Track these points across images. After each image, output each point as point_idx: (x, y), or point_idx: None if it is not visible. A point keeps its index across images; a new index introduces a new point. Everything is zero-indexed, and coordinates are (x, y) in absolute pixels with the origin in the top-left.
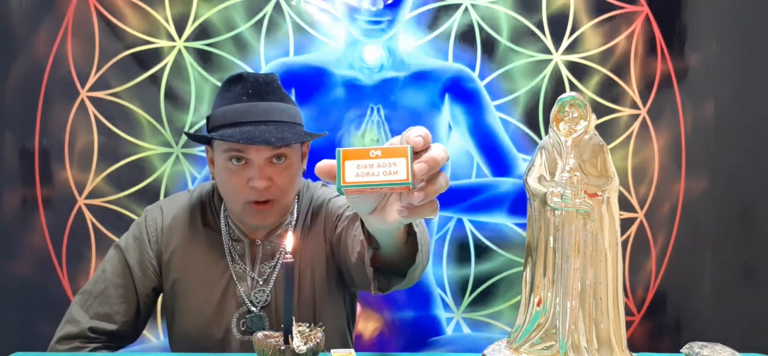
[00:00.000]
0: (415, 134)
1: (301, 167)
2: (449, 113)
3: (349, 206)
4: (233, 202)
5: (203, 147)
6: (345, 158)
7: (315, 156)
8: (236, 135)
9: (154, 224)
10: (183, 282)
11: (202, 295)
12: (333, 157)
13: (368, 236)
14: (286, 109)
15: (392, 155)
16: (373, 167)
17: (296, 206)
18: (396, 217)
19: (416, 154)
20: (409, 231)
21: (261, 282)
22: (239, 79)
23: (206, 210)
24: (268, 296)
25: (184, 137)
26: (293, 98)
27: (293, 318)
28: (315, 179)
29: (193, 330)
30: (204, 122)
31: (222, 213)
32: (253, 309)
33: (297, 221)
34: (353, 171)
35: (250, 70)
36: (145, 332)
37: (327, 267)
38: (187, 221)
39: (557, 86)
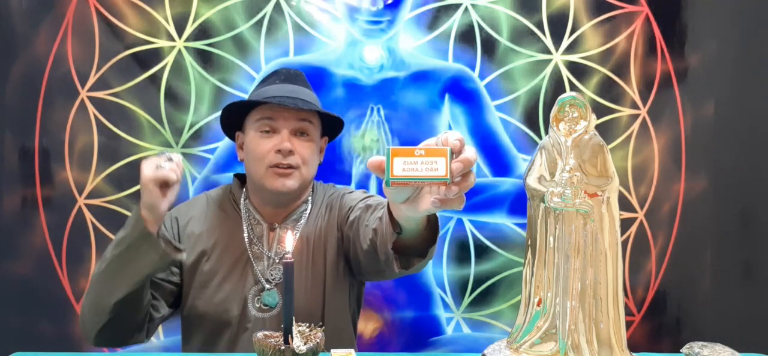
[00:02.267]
0: (454, 137)
1: (318, 154)
2: (449, 113)
3: (362, 199)
4: (258, 167)
5: (204, 147)
6: (394, 155)
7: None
8: (271, 100)
9: (169, 222)
10: (203, 265)
11: (222, 274)
12: (332, 157)
13: (393, 223)
14: (311, 95)
15: (434, 155)
16: (417, 164)
17: (311, 197)
18: (427, 206)
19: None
20: (429, 218)
21: (277, 260)
22: (274, 72)
23: (225, 201)
24: (282, 273)
25: (184, 137)
26: None
27: (293, 317)
28: (327, 181)
29: (211, 307)
30: (203, 122)
31: (242, 202)
32: (268, 286)
33: (312, 210)
34: (400, 167)
35: (250, 70)
36: None
37: (337, 248)
38: (207, 212)
39: (557, 86)
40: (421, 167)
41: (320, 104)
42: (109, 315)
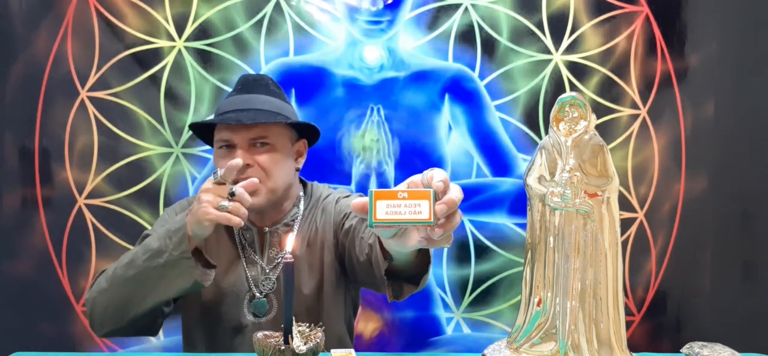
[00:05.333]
0: (438, 179)
1: (290, 159)
2: (449, 113)
3: None
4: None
5: (204, 147)
6: (376, 198)
7: (315, 156)
8: (216, 120)
9: (164, 223)
10: None
11: (215, 280)
12: (332, 157)
13: (384, 252)
14: (269, 101)
15: (417, 197)
16: (400, 207)
17: (303, 200)
18: (414, 242)
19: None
20: (420, 249)
21: (269, 270)
22: (238, 80)
23: None
24: (274, 282)
25: (184, 137)
26: (293, 98)
27: (293, 318)
28: (327, 181)
29: (205, 312)
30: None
31: None
32: (258, 295)
33: (305, 213)
34: (383, 209)
35: (250, 70)
36: None
37: (333, 253)
38: None
39: (557, 86)
40: (405, 210)
41: (290, 107)
42: (129, 321)
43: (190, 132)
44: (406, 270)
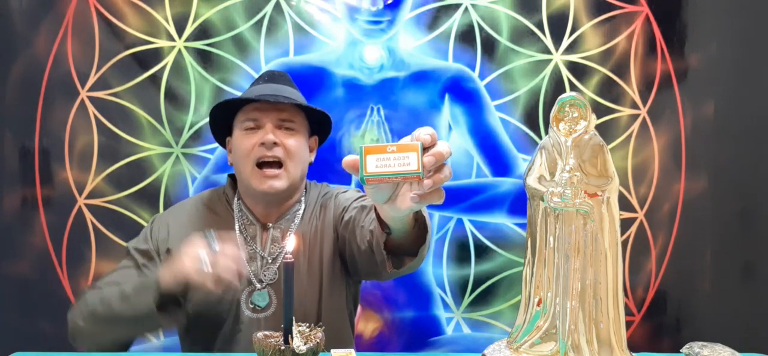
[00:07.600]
0: (424, 132)
1: (308, 151)
2: (449, 113)
3: (356, 199)
4: (245, 164)
5: (203, 147)
6: (366, 153)
7: (315, 156)
8: (250, 95)
9: (158, 226)
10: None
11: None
12: (332, 157)
13: (381, 224)
14: (296, 93)
15: (405, 150)
16: (389, 160)
17: (305, 197)
18: (408, 204)
19: (425, 149)
20: (416, 218)
21: (270, 261)
22: (260, 75)
23: (216, 202)
24: (274, 273)
25: (184, 137)
26: None
27: (293, 318)
28: (327, 181)
29: (204, 308)
30: (203, 122)
31: (235, 202)
32: (259, 286)
33: (305, 210)
34: (373, 164)
35: (250, 70)
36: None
37: (333, 248)
38: (197, 216)
39: (557, 86)
40: (394, 163)
41: (305, 102)
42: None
43: (190, 132)
44: (404, 244)
